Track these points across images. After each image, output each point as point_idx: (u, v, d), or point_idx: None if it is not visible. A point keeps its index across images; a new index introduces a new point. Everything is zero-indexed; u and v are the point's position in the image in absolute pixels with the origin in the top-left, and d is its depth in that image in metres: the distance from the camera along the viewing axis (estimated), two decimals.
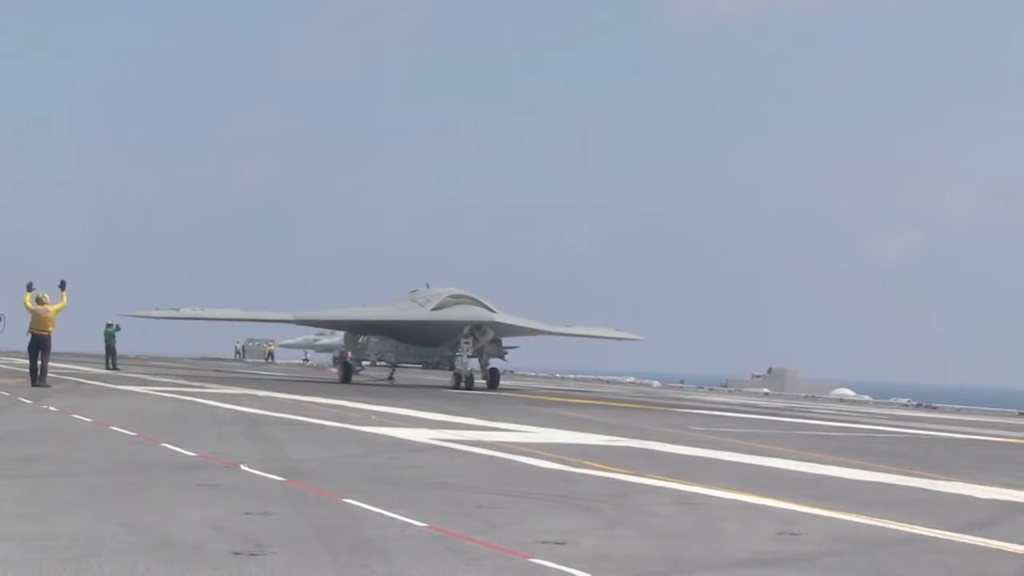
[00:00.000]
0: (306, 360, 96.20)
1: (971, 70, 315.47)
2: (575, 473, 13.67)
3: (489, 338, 44.60)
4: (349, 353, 48.47)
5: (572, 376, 78.30)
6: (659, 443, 19.03)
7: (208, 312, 51.17)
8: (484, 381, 45.00)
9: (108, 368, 49.16)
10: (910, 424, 32.50)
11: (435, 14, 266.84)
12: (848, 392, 67.26)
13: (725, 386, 76.76)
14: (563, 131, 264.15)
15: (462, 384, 42.80)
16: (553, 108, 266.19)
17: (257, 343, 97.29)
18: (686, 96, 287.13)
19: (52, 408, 21.82)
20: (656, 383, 68.84)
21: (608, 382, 70.50)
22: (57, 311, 30.97)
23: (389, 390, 40.00)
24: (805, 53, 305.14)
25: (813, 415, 35.93)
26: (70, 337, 69.02)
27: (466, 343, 43.68)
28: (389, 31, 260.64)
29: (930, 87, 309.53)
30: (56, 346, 31.72)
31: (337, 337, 69.57)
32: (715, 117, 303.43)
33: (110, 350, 53.01)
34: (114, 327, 53.69)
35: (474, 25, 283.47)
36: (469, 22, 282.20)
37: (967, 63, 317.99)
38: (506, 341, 50.41)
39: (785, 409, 39.89)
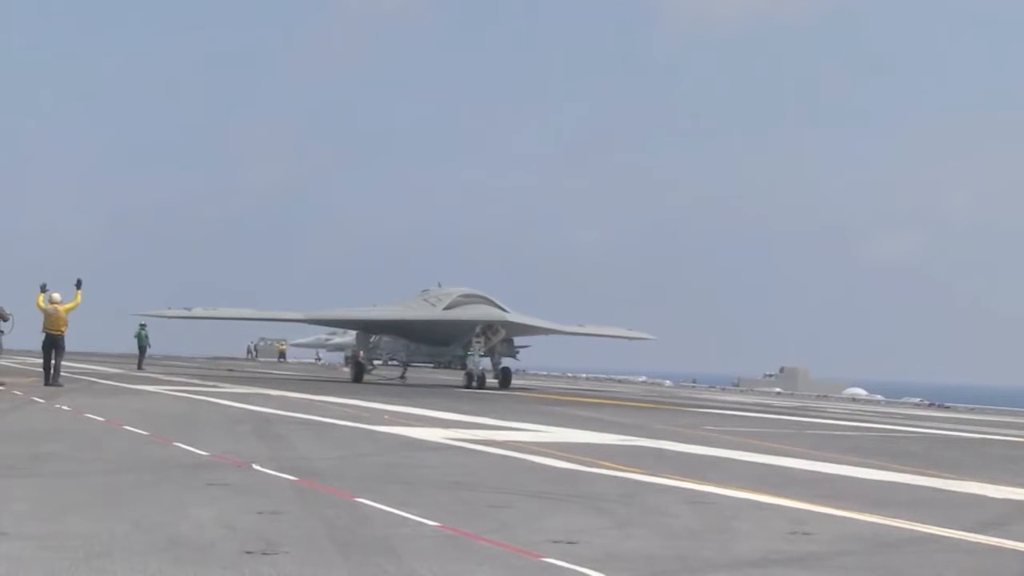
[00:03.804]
0: (318, 359, 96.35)
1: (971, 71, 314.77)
2: (587, 472, 13.66)
3: (501, 337, 44.58)
4: (361, 352, 48.50)
5: (584, 375, 78.31)
6: (671, 442, 19.00)
7: (220, 311, 51.23)
8: (496, 380, 45.00)
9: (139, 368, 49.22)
10: (923, 423, 32.43)
11: (440, 16, 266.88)
12: (860, 391, 67.12)
13: (737, 385, 76.74)
14: (570, 130, 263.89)
15: (474, 383, 42.80)
16: (560, 108, 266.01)
17: (269, 342, 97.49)
18: (695, 95, 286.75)
19: (65, 407, 21.86)
20: (668, 382, 68.78)
21: (620, 381, 70.49)
22: (68, 310, 31.07)
23: (401, 389, 40.02)
24: (811, 54, 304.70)
25: (825, 414, 35.87)
26: (85, 337, 69.20)
27: (478, 342, 43.67)
28: (397, 34, 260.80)
29: (931, 88, 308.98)
30: (71, 346, 31.80)
31: (349, 336, 69.59)
32: (721, 117, 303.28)
33: (141, 350, 53.19)
34: (144, 328, 53.74)
35: (478, 26, 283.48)
36: (474, 23, 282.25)
37: (967, 64, 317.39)
38: (518, 340, 50.45)
39: (797, 408, 39.83)
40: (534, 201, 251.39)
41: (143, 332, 53.87)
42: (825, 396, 59.07)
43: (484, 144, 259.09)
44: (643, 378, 75.07)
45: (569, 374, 79.32)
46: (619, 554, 8.43)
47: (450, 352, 50.66)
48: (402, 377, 49.23)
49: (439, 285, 47.51)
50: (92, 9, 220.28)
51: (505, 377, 45.71)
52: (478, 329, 43.61)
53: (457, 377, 48.22)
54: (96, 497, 10.32)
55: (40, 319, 31.15)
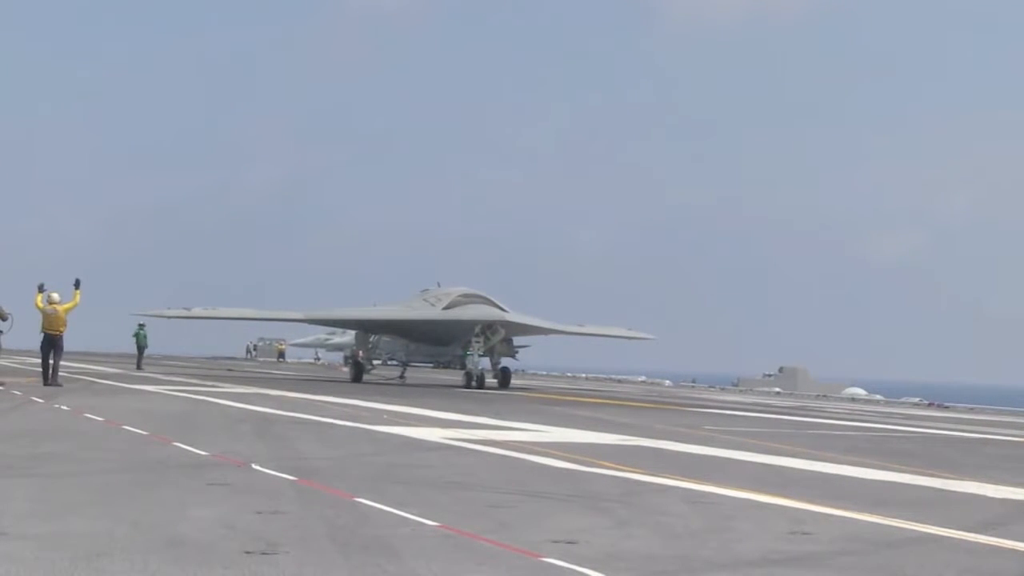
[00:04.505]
0: (317, 359, 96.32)
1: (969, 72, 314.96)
2: (587, 472, 13.66)
3: (500, 337, 44.58)
4: (360, 352, 48.49)
5: (584, 375, 78.35)
6: (671, 442, 19.00)
7: (220, 311, 51.24)
8: (495, 380, 44.99)
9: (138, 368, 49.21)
10: (922, 423, 32.43)
11: (439, 16, 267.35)
12: (860, 391, 67.17)
13: (736, 385, 76.78)
14: (570, 130, 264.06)
15: (473, 383, 42.80)
16: (559, 108, 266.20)
17: (269, 342, 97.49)
18: (695, 96, 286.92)
19: (64, 407, 21.85)
20: (668, 382, 68.80)
21: (620, 381, 70.49)
22: (67, 310, 31.08)
23: (400, 389, 40.00)
24: (807, 55, 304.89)
25: (825, 414, 35.87)
26: (84, 337, 69.23)
27: (477, 342, 43.67)
28: (397, 34, 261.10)
29: (931, 88, 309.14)
30: (70, 346, 31.77)
31: (348, 336, 69.62)
32: (721, 117, 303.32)
33: (140, 350, 53.20)
34: (143, 328, 53.74)
35: (478, 27, 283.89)
36: (473, 24, 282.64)
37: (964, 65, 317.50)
38: (517, 340, 50.44)
39: (797, 408, 39.84)
40: (534, 201, 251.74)
41: (142, 332, 53.88)
42: (824, 396, 59.08)
43: (484, 144, 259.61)
44: (643, 378, 75.08)
45: (569, 374, 79.32)
46: (619, 554, 8.43)
47: (450, 352, 50.65)
48: (401, 377, 49.22)
49: (439, 285, 47.50)
50: (92, 9, 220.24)
51: (505, 377, 45.70)
52: (477, 329, 43.60)
53: (457, 377, 48.20)
54: (96, 497, 10.31)
55: (39, 319, 31.17)
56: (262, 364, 76.28)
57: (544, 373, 76.44)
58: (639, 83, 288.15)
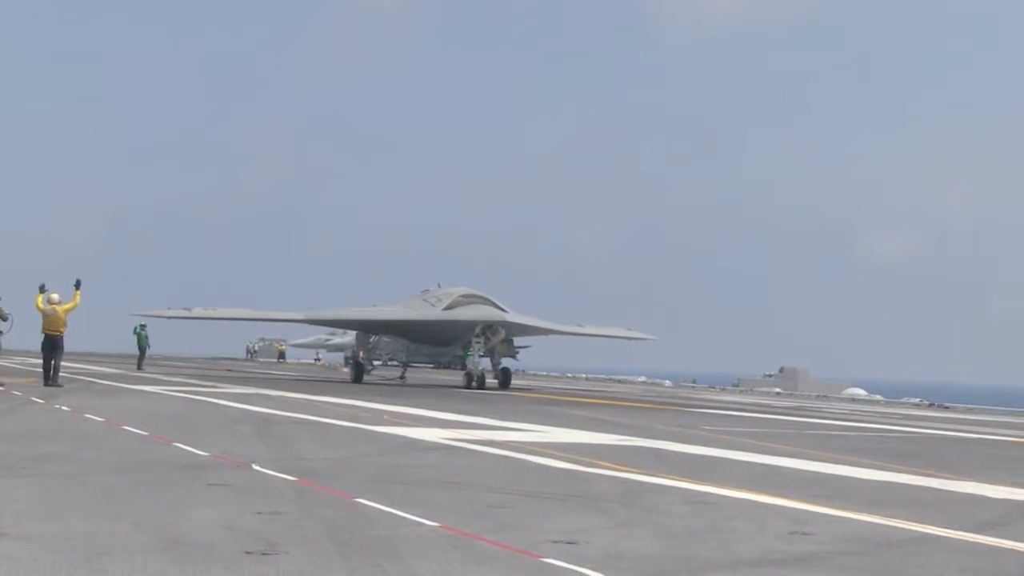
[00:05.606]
0: (318, 360, 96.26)
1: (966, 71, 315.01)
2: (586, 473, 13.66)
3: (501, 338, 44.54)
4: (361, 353, 48.47)
5: (584, 376, 78.27)
6: (670, 443, 19.01)
7: (220, 312, 51.17)
8: (496, 380, 44.97)
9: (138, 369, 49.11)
10: (922, 424, 32.42)
11: (439, 17, 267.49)
12: (860, 392, 67.07)
13: (737, 386, 76.66)
14: (571, 131, 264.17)
15: (474, 384, 42.76)
16: (559, 108, 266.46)
17: (269, 343, 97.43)
18: (694, 96, 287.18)
19: (64, 408, 21.86)
20: (668, 383, 68.73)
21: (620, 382, 70.43)
22: (67, 311, 31.10)
23: (400, 390, 40.01)
24: (804, 55, 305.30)
25: (825, 415, 35.86)
26: (84, 337, 69.19)
27: (477, 343, 43.63)
28: (397, 34, 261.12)
29: (931, 87, 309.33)
30: (70, 346, 31.77)
31: (349, 337, 69.50)
32: (721, 117, 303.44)
33: (141, 351, 53.12)
34: (144, 328, 53.60)
35: (478, 27, 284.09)
36: (473, 24, 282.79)
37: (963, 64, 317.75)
38: (518, 341, 50.35)
39: (797, 409, 39.82)
40: (534, 201, 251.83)
41: (143, 332, 53.80)
42: (824, 396, 59.02)
43: (484, 144, 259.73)
44: (643, 378, 74.98)
45: (569, 374, 79.26)
46: (619, 554, 8.44)
47: (450, 352, 50.58)
48: (402, 377, 49.21)
49: (439, 285, 47.45)
50: (92, 9, 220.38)
51: (505, 377, 45.66)
52: (478, 329, 43.55)
53: (457, 377, 48.19)
54: (96, 497, 10.32)
55: (40, 320, 31.19)
56: (262, 365, 76.26)
57: (544, 373, 76.39)
58: (639, 83, 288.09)
